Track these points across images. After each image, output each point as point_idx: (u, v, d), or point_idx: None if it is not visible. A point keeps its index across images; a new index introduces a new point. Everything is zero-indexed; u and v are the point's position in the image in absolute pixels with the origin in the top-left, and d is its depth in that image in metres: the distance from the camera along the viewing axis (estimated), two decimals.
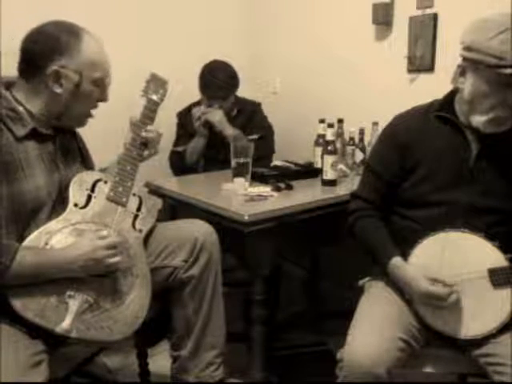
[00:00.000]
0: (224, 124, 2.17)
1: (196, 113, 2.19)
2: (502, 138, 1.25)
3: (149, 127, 1.41)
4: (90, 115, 1.36)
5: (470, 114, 1.25)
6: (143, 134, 1.40)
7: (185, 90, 2.23)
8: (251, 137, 2.20)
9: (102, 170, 1.48)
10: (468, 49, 1.21)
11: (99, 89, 1.32)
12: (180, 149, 2.23)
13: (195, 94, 2.27)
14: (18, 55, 1.27)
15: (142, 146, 1.41)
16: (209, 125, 2.19)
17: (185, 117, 2.31)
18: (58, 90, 1.25)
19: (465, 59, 1.23)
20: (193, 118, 2.19)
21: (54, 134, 1.31)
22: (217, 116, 2.17)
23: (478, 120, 1.23)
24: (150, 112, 1.44)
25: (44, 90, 1.25)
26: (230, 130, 2.16)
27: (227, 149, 1.89)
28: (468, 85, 1.23)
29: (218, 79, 2.17)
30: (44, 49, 1.23)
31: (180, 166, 2.26)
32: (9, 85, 1.28)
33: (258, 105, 2.41)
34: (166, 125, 1.75)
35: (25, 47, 1.26)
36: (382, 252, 1.32)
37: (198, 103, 2.28)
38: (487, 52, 1.16)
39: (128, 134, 1.43)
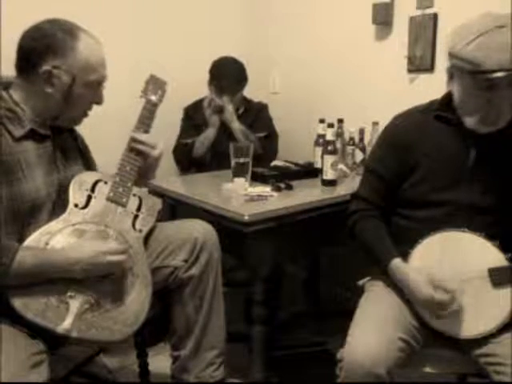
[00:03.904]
0: (233, 116, 2.20)
1: (207, 100, 2.20)
2: (501, 137, 1.24)
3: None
4: (85, 115, 1.35)
5: (462, 117, 1.26)
6: (153, 152, 1.39)
7: (186, 87, 2.24)
8: (258, 134, 2.21)
9: None
10: (449, 55, 1.22)
11: (93, 91, 1.30)
12: (188, 140, 2.23)
13: (197, 90, 2.28)
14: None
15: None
16: (221, 113, 2.19)
17: (192, 110, 2.32)
18: (49, 90, 1.23)
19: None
20: (204, 106, 2.20)
21: (53, 134, 1.31)
22: (228, 105, 2.19)
23: (469, 121, 1.24)
24: (149, 113, 1.43)
25: (37, 89, 1.24)
26: (237, 124, 2.18)
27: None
28: (455, 88, 1.25)
29: (228, 73, 2.20)
30: (39, 46, 1.22)
31: (186, 158, 2.25)
32: (8, 85, 1.28)
33: (265, 106, 2.41)
34: (167, 123, 1.75)
35: (21, 44, 1.25)
36: (383, 253, 1.32)
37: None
38: (463, 58, 1.17)
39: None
